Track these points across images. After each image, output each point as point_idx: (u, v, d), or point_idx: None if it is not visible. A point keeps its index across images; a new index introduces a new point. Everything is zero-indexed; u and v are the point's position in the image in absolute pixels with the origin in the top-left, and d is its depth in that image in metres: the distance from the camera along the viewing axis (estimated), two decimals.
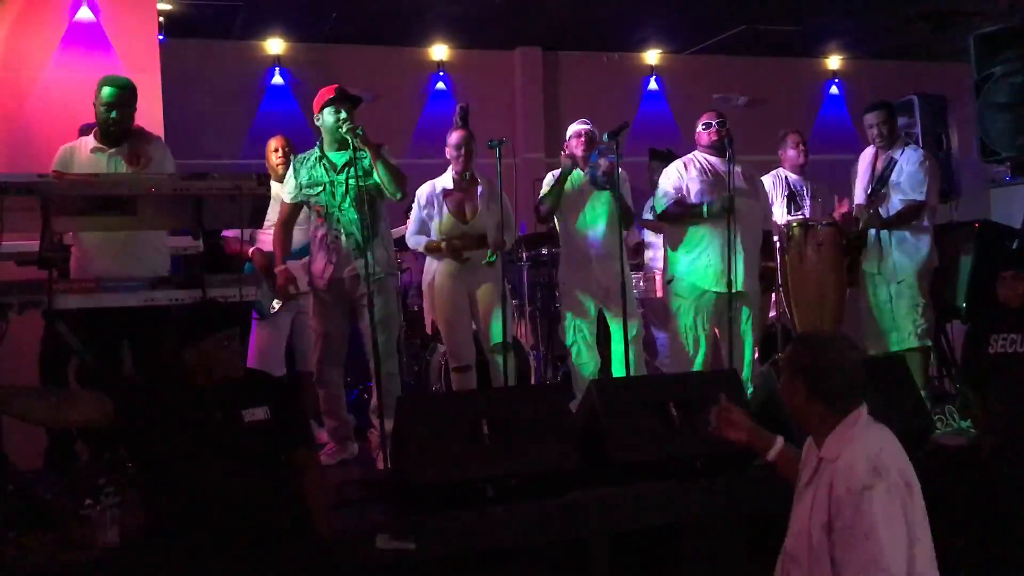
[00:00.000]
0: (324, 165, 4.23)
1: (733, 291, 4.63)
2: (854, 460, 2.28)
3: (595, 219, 4.89)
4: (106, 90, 3.87)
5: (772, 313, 5.52)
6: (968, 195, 6.34)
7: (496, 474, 3.34)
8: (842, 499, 2.24)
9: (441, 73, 8.14)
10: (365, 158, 4.15)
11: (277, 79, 7.66)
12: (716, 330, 4.87)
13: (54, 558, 2.97)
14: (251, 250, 4.83)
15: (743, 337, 4.83)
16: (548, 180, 5.01)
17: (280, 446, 2.93)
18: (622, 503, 3.50)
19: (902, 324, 4.96)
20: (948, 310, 5.52)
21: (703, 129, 4.93)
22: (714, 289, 4.75)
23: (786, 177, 5.63)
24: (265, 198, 3.65)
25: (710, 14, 7.65)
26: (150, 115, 4.93)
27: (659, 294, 5.75)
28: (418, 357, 5.94)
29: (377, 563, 3.16)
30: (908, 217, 4.96)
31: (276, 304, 4.69)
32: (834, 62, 9.19)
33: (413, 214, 4.95)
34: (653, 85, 8.66)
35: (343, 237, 4.21)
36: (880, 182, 4.99)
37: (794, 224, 5.18)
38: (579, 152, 4.87)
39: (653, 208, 5.18)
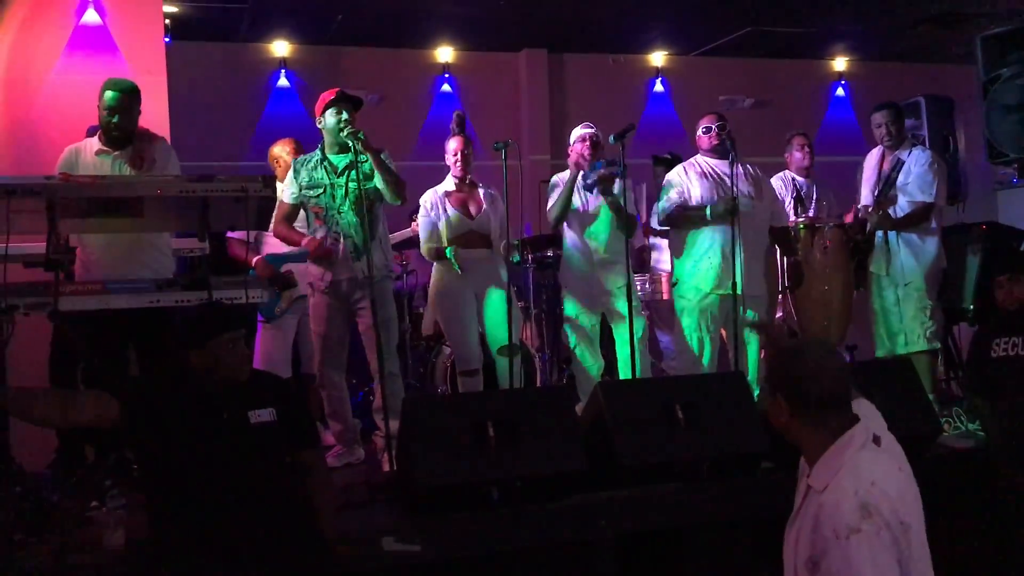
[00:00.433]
0: (325, 167, 4.25)
1: (736, 293, 4.62)
2: (841, 496, 2.01)
3: (598, 222, 4.89)
4: (108, 94, 3.88)
5: (779, 314, 5.51)
6: (975, 197, 6.33)
7: (501, 477, 3.34)
8: (828, 540, 1.99)
9: (446, 75, 8.14)
10: (366, 162, 4.17)
11: (283, 81, 7.67)
12: (723, 332, 4.86)
13: (60, 560, 2.97)
14: (255, 260, 4.84)
15: (748, 339, 4.81)
16: (554, 182, 5.01)
17: (286, 448, 2.93)
18: (628, 506, 3.50)
19: (910, 326, 4.95)
20: (955, 312, 5.51)
21: (703, 133, 4.92)
22: (717, 292, 4.73)
23: (793, 179, 5.62)
24: (271, 200, 3.65)
25: (716, 16, 7.64)
26: (156, 117, 4.95)
27: (665, 296, 5.75)
28: (423, 359, 5.94)
29: (383, 565, 3.15)
30: (917, 219, 4.95)
31: (285, 302, 4.71)
32: (840, 64, 9.17)
33: (421, 222, 4.96)
34: (659, 87, 8.65)
35: (342, 240, 4.22)
36: (887, 184, 4.98)
37: (800, 226, 5.18)
38: (585, 155, 4.86)
39: (658, 213, 5.16)
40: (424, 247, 4.97)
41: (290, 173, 4.35)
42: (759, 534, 3.75)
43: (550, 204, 4.95)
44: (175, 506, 2.79)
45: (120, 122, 3.89)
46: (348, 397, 4.48)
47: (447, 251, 4.78)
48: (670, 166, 5.40)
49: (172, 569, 2.74)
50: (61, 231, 3.37)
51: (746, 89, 8.74)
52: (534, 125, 8.25)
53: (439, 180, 5.03)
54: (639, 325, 4.78)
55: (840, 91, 9.17)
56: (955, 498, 4.06)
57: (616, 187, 4.77)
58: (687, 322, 4.81)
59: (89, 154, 3.95)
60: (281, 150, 5.05)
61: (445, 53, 8.14)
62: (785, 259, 5.07)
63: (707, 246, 4.76)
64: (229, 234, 4.92)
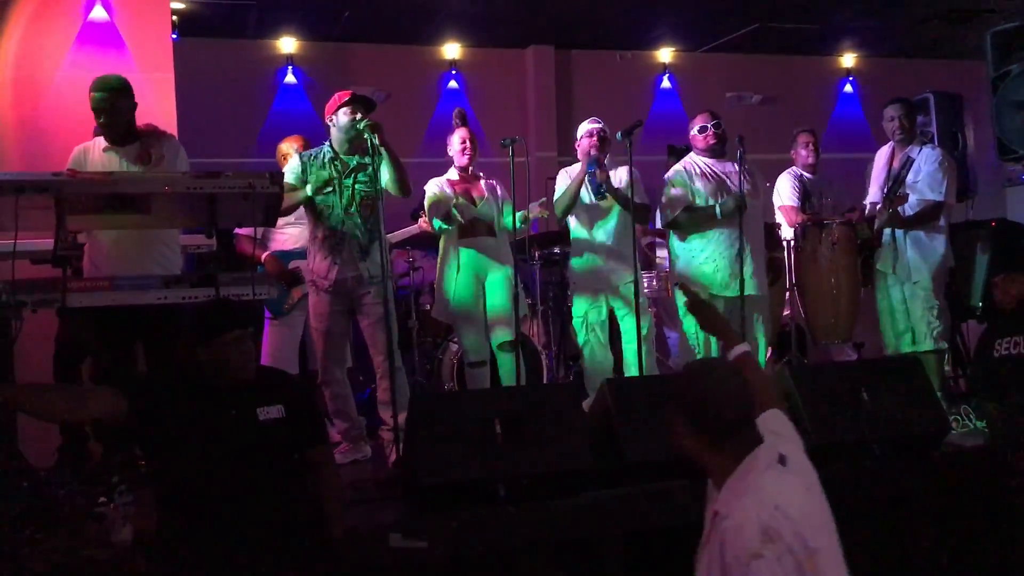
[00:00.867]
0: (335, 166, 4.25)
1: (743, 293, 4.60)
2: (744, 521, 1.96)
3: (606, 219, 4.88)
4: (93, 96, 3.82)
5: (786, 311, 5.50)
6: (984, 194, 6.30)
7: (508, 473, 3.34)
8: (731, 567, 1.95)
9: (453, 72, 8.13)
10: (371, 165, 4.19)
11: (290, 78, 7.67)
12: None
13: (67, 556, 2.98)
14: (264, 255, 4.85)
15: (755, 337, 4.80)
16: (561, 178, 5.01)
17: (295, 444, 2.93)
18: (635, 503, 3.49)
19: (917, 326, 4.93)
20: (964, 310, 5.49)
21: (699, 133, 4.89)
22: (723, 294, 4.72)
23: (800, 175, 5.60)
24: (278, 197, 3.65)
25: (723, 12, 7.62)
26: (164, 114, 4.96)
27: (671, 293, 5.73)
28: (430, 356, 5.94)
29: (389, 562, 3.16)
30: (927, 217, 4.92)
31: (293, 298, 4.72)
32: (848, 60, 9.14)
33: (431, 193, 4.94)
34: (666, 83, 8.62)
35: (345, 239, 4.23)
36: (897, 181, 4.95)
37: (807, 223, 5.16)
38: (591, 151, 4.85)
39: (662, 217, 5.14)
40: (429, 211, 4.93)
41: (296, 161, 4.31)
42: None
43: (556, 197, 4.94)
44: (183, 502, 2.79)
45: (109, 122, 3.84)
46: (351, 394, 4.49)
47: (452, 208, 4.75)
48: (684, 157, 5.39)
49: (180, 565, 2.74)
50: (69, 228, 3.37)
51: (754, 85, 8.71)
52: (541, 122, 8.24)
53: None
54: (646, 322, 4.77)
55: (848, 87, 9.13)
56: (963, 496, 4.05)
57: (620, 182, 4.77)
58: (691, 320, 4.79)
59: (97, 152, 3.94)
60: (289, 146, 5.06)
61: (452, 50, 8.14)
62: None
63: (711, 248, 4.74)
64: (237, 231, 4.92)
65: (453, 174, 4.95)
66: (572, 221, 5.02)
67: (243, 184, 3.39)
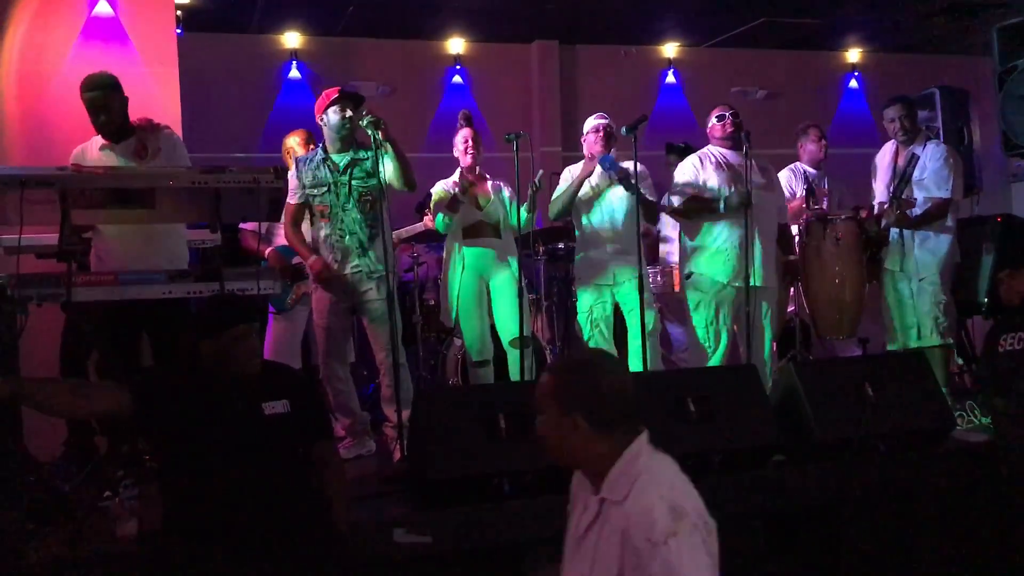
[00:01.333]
0: (328, 166, 4.27)
1: (751, 285, 4.60)
2: (650, 504, 1.95)
3: (612, 213, 4.87)
4: (87, 96, 3.83)
5: (791, 308, 5.49)
6: (990, 189, 6.29)
7: (513, 468, 3.34)
8: (642, 551, 1.91)
9: (458, 67, 8.11)
10: (367, 159, 4.19)
11: (294, 72, 7.66)
12: (735, 325, 4.84)
13: (72, 549, 2.99)
14: (267, 250, 4.85)
15: (762, 332, 4.79)
16: (565, 176, 5.00)
17: (300, 439, 2.93)
18: None
19: (923, 321, 4.91)
20: (970, 306, 5.47)
21: (717, 122, 4.89)
22: (732, 284, 4.72)
23: (804, 171, 5.59)
24: (283, 191, 3.65)
25: (728, 7, 7.60)
26: (168, 108, 4.96)
27: (677, 288, 5.72)
28: (434, 351, 5.94)
29: (394, 556, 3.16)
30: (935, 215, 4.90)
31: (296, 293, 4.73)
32: (854, 55, 9.11)
33: (439, 186, 4.96)
34: (671, 78, 8.60)
35: (346, 236, 4.24)
36: (902, 179, 4.93)
37: (812, 218, 5.14)
38: (597, 147, 4.85)
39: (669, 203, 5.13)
40: (435, 201, 4.94)
41: (292, 173, 4.35)
42: (770, 526, 3.75)
43: (554, 196, 4.94)
44: (188, 497, 2.79)
45: (106, 120, 3.85)
46: (354, 389, 4.49)
47: (443, 220, 4.75)
48: (683, 155, 5.37)
49: (185, 559, 2.75)
50: (74, 222, 3.38)
51: (759, 81, 8.69)
52: (545, 117, 8.22)
53: (451, 171, 5.03)
54: (651, 317, 4.77)
55: (853, 83, 9.10)
56: (968, 492, 4.05)
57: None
58: (702, 314, 4.79)
59: (93, 151, 3.94)
60: (294, 141, 5.06)
61: (456, 44, 8.12)
62: (782, 256, 5.06)
63: (723, 238, 4.73)
64: (241, 226, 4.93)
65: (459, 175, 4.95)
66: (576, 217, 5.00)
67: (247, 179, 3.40)
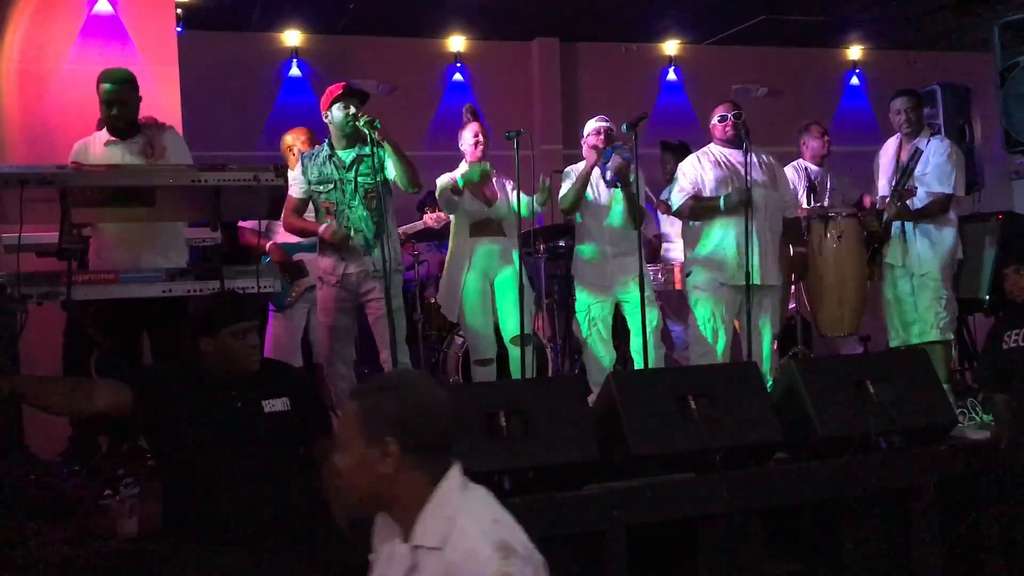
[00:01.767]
0: (334, 163, 4.26)
1: (750, 283, 4.60)
2: (474, 546, 1.73)
3: (612, 213, 4.87)
4: (104, 87, 3.85)
5: (792, 305, 5.48)
6: (991, 186, 6.28)
7: (513, 466, 3.34)
8: None
9: (458, 65, 8.11)
10: (372, 155, 4.18)
11: (295, 71, 7.66)
12: (736, 322, 4.84)
13: (74, 547, 2.98)
14: (268, 244, 4.84)
15: (762, 330, 4.79)
16: (567, 174, 4.99)
17: (300, 437, 2.93)
18: (640, 496, 3.49)
19: (924, 317, 4.91)
20: (971, 303, 5.46)
21: (719, 122, 4.88)
22: (732, 282, 4.71)
23: (806, 168, 5.58)
24: (283, 189, 3.64)
25: (729, 4, 7.59)
26: (168, 107, 4.96)
27: (677, 286, 5.72)
28: (435, 349, 5.94)
29: None
30: (936, 209, 4.89)
31: (296, 291, 4.72)
32: (855, 52, 9.09)
33: (443, 178, 4.93)
34: (672, 76, 8.59)
35: (352, 233, 4.23)
36: (905, 173, 4.92)
37: (813, 215, 5.14)
38: (596, 150, 4.84)
39: (669, 203, 5.13)
40: (440, 190, 4.91)
41: (298, 167, 4.35)
42: (772, 524, 3.75)
43: (562, 192, 4.93)
44: (189, 495, 2.79)
45: (119, 113, 3.87)
46: None
47: (459, 181, 4.69)
48: (678, 152, 5.37)
49: (185, 558, 2.75)
50: (74, 220, 3.38)
51: (760, 78, 8.68)
52: (546, 114, 8.22)
53: (450, 170, 5.01)
54: (653, 315, 4.77)
55: (855, 80, 9.09)
56: (970, 489, 4.04)
57: (632, 177, 4.76)
58: (701, 312, 4.79)
59: (98, 146, 3.95)
60: (294, 139, 5.06)
61: (457, 42, 8.12)
62: (792, 249, 5.06)
63: (722, 236, 4.73)
64: (241, 224, 4.92)
65: (465, 170, 4.93)
66: (577, 216, 5.00)
67: (248, 177, 3.40)
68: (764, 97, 8.62)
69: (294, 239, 4.89)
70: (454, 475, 1.86)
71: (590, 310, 4.91)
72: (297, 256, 4.85)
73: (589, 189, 4.85)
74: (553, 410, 3.49)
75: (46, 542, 3.02)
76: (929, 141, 5.00)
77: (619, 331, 5.09)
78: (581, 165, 4.92)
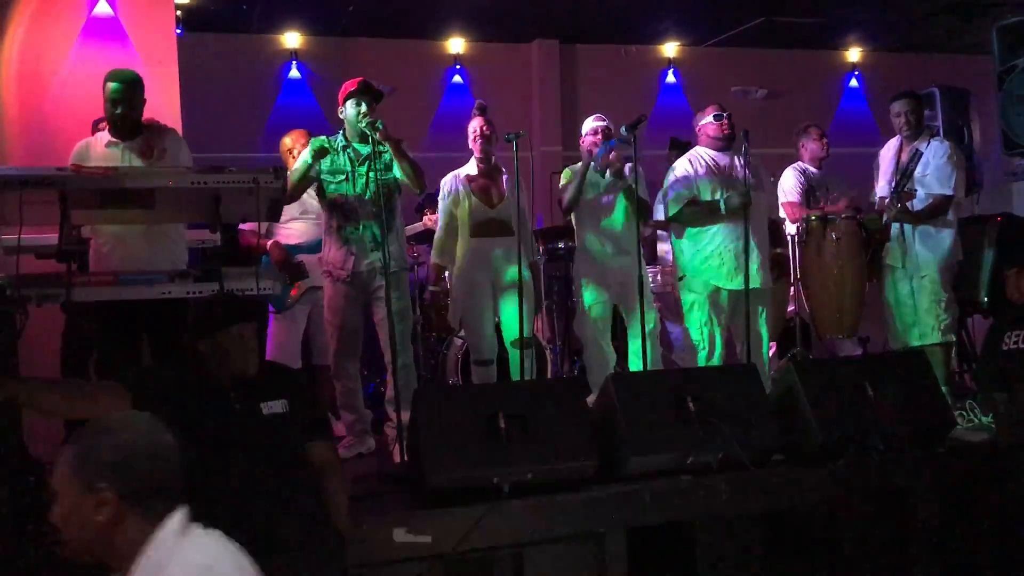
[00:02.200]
0: (349, 155, 4.25)
1: (748, 287, 4.59)
2: None
3: (612, 214, 4.87)
4: (111, 86, 3.86)
5: (791, 307, 5.48)
6: (990, 188, 6.29)
7: (512, 469, 3.33)
8: None
9: (458, 66, 8.12)
10: (386, 151, 4.17)
11: (294, 73, 7.68)
12: (731, 326, 4.84)
13: None
14: (269, 243, 4.84)
15: (759, 332, 4.79)
16: (567, 175, 4.99)
17: (298, 439, 2.93)
18: (639, 498, 3.49)
19: (924, 319, 4.91)
20: (970, 304, 5.47)
21: (715, 120, 4.83)
22: (728, 287, 4.71)
23: (805, 170, 5.58)
24: (282, 191, 3.64)
25: (728, 6, 7.60)
26: (168, 108, 4.96)
27: (675, 288, 5.72)
28: (434, 351, 5.95)
29: (394, 556, 3.16)
30: (936, 211, 4.89)
31: (296, 292, 4.73)
32: (854, 54, 9.11)
33: (440, 212, 4.94)
34: (671, 78, 8.61)
35: (360, 229, 4.22)
36: (905, 175, 4.93)
37: (812, 217, 5.14)
38: (595, 148, 4.85)
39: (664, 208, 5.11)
40: (434, 251, 4.96)
41: (307, 151, 4.32)
42: (770, 527, 3.75)
43: (562, 189, 4.92)
44: (187, 496, 2.79)
45: (124, 113, 3.88)
46: (361, 388, 4.48)
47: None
48: (687, 150, 5.36)
49: None
50: (73, 222, 3.38)
51: (759, 80, 8.69)
52: (546, 116, 8.23)
53: (450, 171, 5.01)
54: (651, 317, 4.77)
55: (854, 82, 9.11)
56: (968, 491, 4.05)
57: (627, 170, 4.75)
58: (696, 316, 4.79)
59: (99, 147, 3.95)
60: (293, 141, 5.05)
61: (456, 44, 8.13)
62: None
63: (717, 241, 4.73)
64: (241, 226, 4.92)
65: (472, 167, 4.91)
66: (576, 217, 5.00)
67: (247, 179, 3.39)
68: (763, 99, 8.63)
69: (293, 241, 4.89)
70: (174, 520, 1.75)
71: (590, 311, 4.91)
72: (296, 258, 4.84)
73: (591, 191, 4.85)
74: (552, 412, 3.49)
75: (45, 544, 3.01)
76: (929, 143, 5.00)
77: (618, 332, 5.09)
78: (579, 167, 4.92)
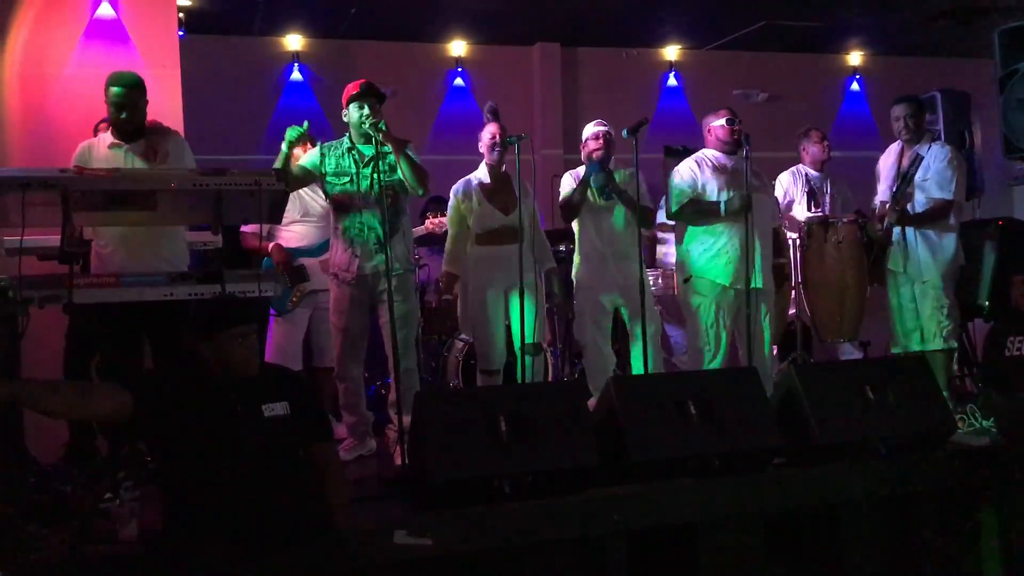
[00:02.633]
0: (353, 157, 4.25)
1: (750, 288, 4.60)
2: None
3: (612, 218, 4.87)
4: (113, 90, 3.86)
5: (791, 311, 5.48)
6: (991, 193, 6.29)
7: (513, 471, 3.33)
8: None
9: (459, 69, 8.13)
10: (389, 154, 4.17)
11: (296, 75, 7.69)
12: (735, 327, 4.84)
13: (74, 551, 2.99)
14: (270, 246, 4.84)
15: (762, 334, 4.79)
16: (566, 181, 4.99)
17: (299, 441, 2.93)
18: (640, 501, 3.49)
19: (926, 325, 4.89)
20: (971, 309, 5.47)
21: (726, 124, 4.82)
22: (733, 286, 4.71)
23: (806, 174, 5.58)
24: (284, 194, 3.65)
25: (730, 9, 7.60)
26: (170, 111, 4.96)
27: (676, 290, 5.72)
28: (436, 353, 5.95)
29: (394, 559, 3.16)
30: (936, 215, 4.88)
31: (296, 297, 4.73)
32: (855, 58, 9.12)
33: (450, 212, 4.93)
34: (672, 81, 8.61)
35: (364, 231, 4.22)
36: (905, 179, 4.93)
37: (813, 221, 5.15)
38: (596, 154, 4.84)
39: (666, 208, 5.12)
40: (446, 260, 4.96)
41: (315, 151, 4.32)
42: (771, 529, 3.75)
43: (561, 199, 4.92)
44: (189, 498, 2.80)
45: (128, 117, 3.88)
46: (364, 390, 4.49)
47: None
48: (681, 158, 5.36)
49: (186, 561, 2.75)
50: (76, 224, 3.38)
51: (760, 83, 8.70)
52: (547, 119, 8.24)
53: (452, 174, 5.01)
54: (652, 320, 4.77)
55: (855, 86, 9.11)
56: (969, 496, 4.04)
57: (624, 181, 4.76)
58: (703, 317, 4.78)
59: (102, 149, 3.96)
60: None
61: (458, 47, 8.13)
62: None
63: (723, 241, 4.73)
64: (243, 228, 4.93)
65: (484, 174, 4.90)
66: (577, 221, 5.00)
67: (249, 181, 3.41)
68: (764, 102, 8.64)
69: (294, 244, 4.89)
70: None
71: (591, 314, 4.91)
72: (297, 261, 4.85)
73: (591, 195, 4.85)
74: (553, 415, 3.49)
75: (46, 546, 3.02)
76: (931, 147, 4.99)
77: (618, 335, 5.09)
78: (582, 170, 4.92)
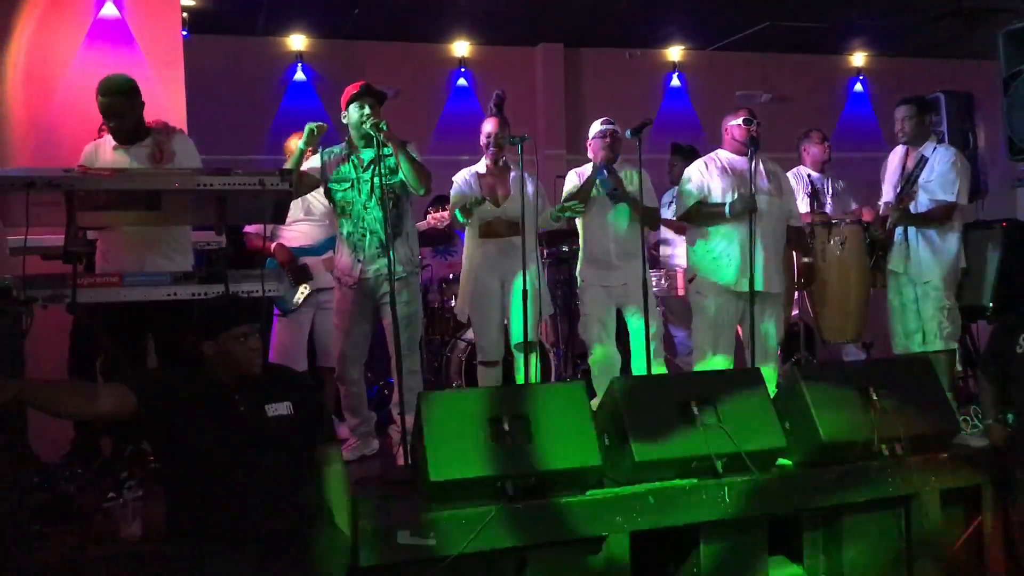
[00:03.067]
0: (352, 162, 4.25)
1: (754, 290, 4.59)
2: None
3: (616, 218, 4.87)
4: (99, 99, 3.80)
5: (795, 312, 5.48)
6: (995, 194, 6.27)
7: (516, 472, 3.34)
8: None
9: (463, 69, 8.14)
10: (390, 156, 4.17)
11: (299, 75, 7.70)
12: (739, 328, 4.84)
13: (77, 550, 2.99)
14: (273, 246, 4.85)
15: (765, 336, 4.79)
16: (571, 179, 4.99)
17: (303, 441, 2.94)
18: (643, 502, 3.49)
19: (928, 326, 4.88)
20: (974, 310, 5.45)
21: (742, 123, 4.79)
22: (737, 288, 4.71)
23: (808, 175, 5.58)
24: (288, 193, 3.65)
25: (733, 10, 7.61)
26: (174, 110, 4.98)
27: (680, 292, 5.72)
28: (438, 353, 5.95)
29: (397, 559, 3.16)
30: (938, 216, 4.87)
31: (300, 296, 4.72)
32: (859, 59, 9.12)
33: (454, 191, 4.93)
34: (676, 82, 8.62)
35: (367, 235, 4.22)
36: (909, 181, 4.92)
37: (816, 222, 5.14)
38: (602, 152, 4.84)
39: (673, 206, 5.13)
40: (452, 205, 4.91)
41: (316, 157, 4.33)
42: (774, 531, 3.75)
43: (565, 194, 4.91)
44: (192, 498, 2.80)
45: (116, 125, 3.85)
46: (365, 392, 4.49)
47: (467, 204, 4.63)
48: (687, 156, 5.36)
49: (188, 561, 2.76)
50: (80, 224, 3.39)
51: (763, 84, 8.70)
52: (550, 120, 8.24)
53: (455, 173, 5.01)
54: (654, 320, 4.76)
55: (858, 87, 9.12)
56: (972, 496, 4.04)
57: (632, 182, 4.75)
58: (707, 318, 4.78)
59: (107, 150, 3.95)
60: (296, 143, 5.05)
61: (461, 47, 8.14)
62: (798, 258, 5.05)
63: (728, 242, 4.72)
64: (246, 228, 4.93)
65: (483, 166, 4.91)
66: (580, 220, 5.00)
67: (253, 181, 3.40)
68: (768, 103, 8.63)
69: (298, 243, 4.90)
70: None
71: (595, 314, 4.91)
72: (301, 261, 4.85)
73: (595, 193, 4.85)
74: (556, 415, 3.49)
75: (50, 544, 3.03)
76: (935, 148, 4.99)
77: (621, 335, 5.09)
78: (587, 167, 4.92)
